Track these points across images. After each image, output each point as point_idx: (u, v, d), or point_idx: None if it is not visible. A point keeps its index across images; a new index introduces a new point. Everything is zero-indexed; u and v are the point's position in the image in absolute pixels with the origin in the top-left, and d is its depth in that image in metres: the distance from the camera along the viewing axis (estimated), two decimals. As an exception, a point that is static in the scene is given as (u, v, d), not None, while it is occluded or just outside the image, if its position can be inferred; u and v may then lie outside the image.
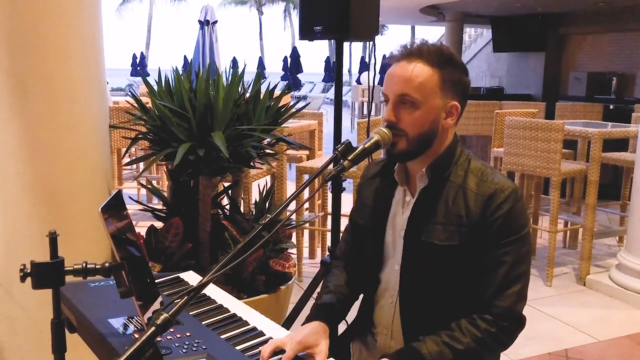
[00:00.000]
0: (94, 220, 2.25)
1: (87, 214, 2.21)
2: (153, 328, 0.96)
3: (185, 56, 24.97)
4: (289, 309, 2.74)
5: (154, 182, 5.50)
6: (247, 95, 2.65)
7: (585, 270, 4.01)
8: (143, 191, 6.05)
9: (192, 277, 1.82)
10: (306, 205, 4.50)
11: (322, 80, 26.79)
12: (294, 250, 3.76)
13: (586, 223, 4.00)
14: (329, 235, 4.53)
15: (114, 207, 1.33)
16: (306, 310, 2.65)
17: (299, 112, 2.71)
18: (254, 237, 1.13)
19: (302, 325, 1.44)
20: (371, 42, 2.64)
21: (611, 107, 7.37)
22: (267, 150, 2.63)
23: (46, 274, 1.27)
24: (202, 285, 1.05)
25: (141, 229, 4.86)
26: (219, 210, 2.83)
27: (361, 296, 1.61)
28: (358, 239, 1.58)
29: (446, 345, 1.29)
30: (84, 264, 1.31)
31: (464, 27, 11.19)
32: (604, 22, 9.04)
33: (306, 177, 4.23)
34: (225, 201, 3.01)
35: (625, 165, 4.80)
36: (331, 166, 1.29)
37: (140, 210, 3.04)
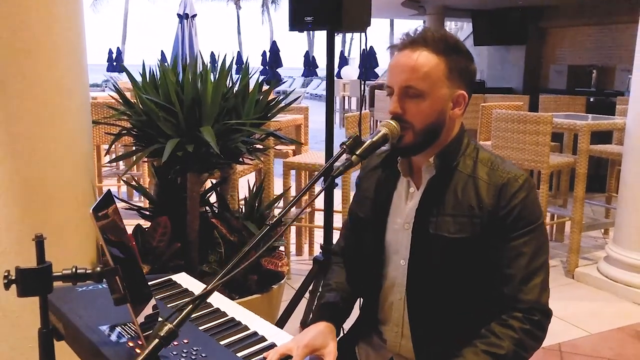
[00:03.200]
0: (78, 221, 2.16)
1: (71, 214, 2.11)
2: (156, 340, 0.88)
3: (162, 51, 24.62)
4: (281, 308, 2.68)
5: (135, 180, 5.37)
6: (235, 89, 2.56)
7: (573, 263, 4.00)
8: (123, 189, 5.92)
9: (184, 279, 1.73)
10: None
11: (302, 75, 26.68)
12: (281, 248, 3.69)
13: (574, 216, 3.99)
14: (316, 231, 4.48)
15: (105, 208, 1.24)
16: (299, 309, 2.62)
17: (289, 105, 2.63)
18: (261, 238, 1.05)
19: (306, 327, 1.37)
20: (363, 34, 2.57)
21: (592, 99, 7.42)
22: (257, 145, 2.55)
23: (32, 280, 1.18)
24: (208, 292, 0.97)
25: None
26: (207, 208, 2.74)
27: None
28: (358, 234, 1.51)
29: (487, 354, 1.21)
30: (74, 269, 1.21)
31: (445, 20, 11.19)
32: (583, 15, 9.10)
33: (293, 172, 4.16)
34: (212, 198, 2.93)
35: (611, 158, 4.81)
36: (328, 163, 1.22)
37: (124, 209, 2.94)
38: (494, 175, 1.30)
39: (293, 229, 4.23)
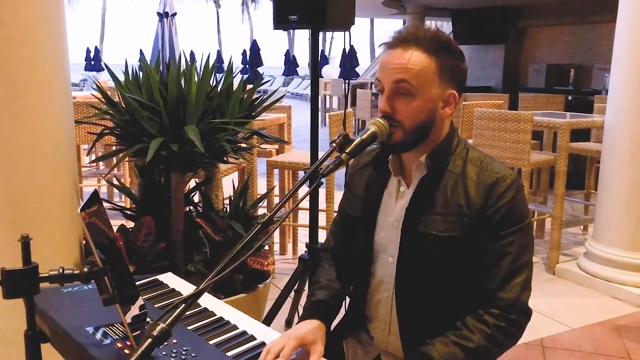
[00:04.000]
0: (61, 221, 2.13)
1: (55, 214, 2.08)
2: (149, 340, 0.87)
3: (141, 50, 24.32)
4: (266, 307, 2.67)
5: (117, 180, 5.32)
6: (219, 88, 2.54)
7: (554, 259, 4.06)
8: (103, 189, 5.85)
9: (171, 279, 1.72)
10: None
11: (283, 74, 26.62)
12: (266, 247, 3.68)
13: (555, 213, 4.05)
14: (299, 230, 4.48)
15: (92, 207, 1.23)
16: (285, 308, 2.61)
17: (274, 104, 2.62)
18: (252, 236, 1.05)
19: (296, 323, 1.37)
20: (347, 33, 2.57)
21: (570, 98, 7.52)
22: (242, 145, 2.54)
23: (19, 282, 1.16)
24: (201, 291, 0.96)
25: None
26: (191, 208, 2.72)
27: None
28: (348, 231, 1.51)
29: (456, 345, 1.24)
30: (61, 270, 1.20)
31: (425, 20, 11.25)
32: (561, 14, 9.22)
33: (276, 171, 4.15)
34: (196, 198, 2.91)
35: (590, 155, 4.89)
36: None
37: (108, 209, 2.91)
38: (483, 175, 1.31)
39: (290, 229, 4.22)
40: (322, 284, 1.49)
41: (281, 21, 2.48)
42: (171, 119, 2.28)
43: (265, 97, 2.64)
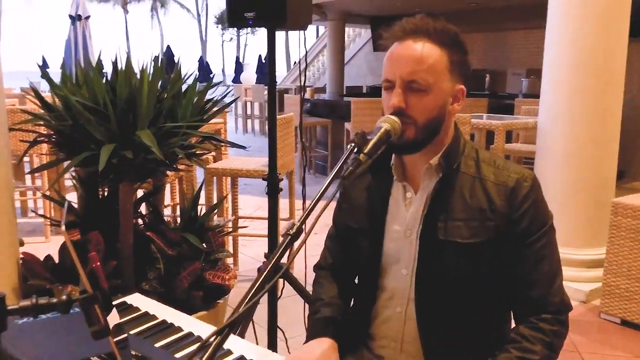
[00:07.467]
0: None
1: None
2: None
3: (43, 56, 22.90)
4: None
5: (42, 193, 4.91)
6: (168, 90, 2.36)
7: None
8: (30, 203, 5.37)
9: (140, 301, 1.54)
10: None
11: (197, 81, 26.01)
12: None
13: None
14: (239, 240, 4.29)
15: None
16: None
17: (228, 106, 2.46)
18: (283, 250, 0.92)
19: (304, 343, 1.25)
20: (303, 32, 2.47)
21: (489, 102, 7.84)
22: (196, 151, 2.36)
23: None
24: (240, 317, 0.82)
25: (42, 246, 4.30)
26: (139, 221, 2.51)
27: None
28: (350, 245, 1.40)
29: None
30: (34, 300, 1.01)
31: (345, 26, 11.36)
32: (477, 22, 9.61)
33: (215, 179, 3.97)
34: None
35: (517, 156, 5.07)
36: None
37: (50, 225, 2.62)
38: (500, 175, 1.25)
39: (230, 239, 4.01)
40: (325, 300, 1.38)
41: (235, 18, 2.33)
42: (121, 124, 2.07)
43: (217, 99, 2.48)
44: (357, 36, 13.51)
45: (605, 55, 3.54)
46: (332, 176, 1.04)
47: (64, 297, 1.03)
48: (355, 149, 1.09)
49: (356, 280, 1.43)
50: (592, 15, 3.51)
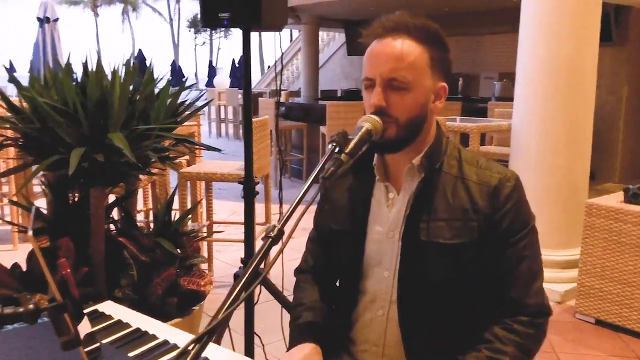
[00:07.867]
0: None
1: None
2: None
3: (10, 60, 22.39)
4: (200, 328, 2.45)
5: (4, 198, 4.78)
6: (139, 92, 2.30)
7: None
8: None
9: (112, 309, 1.48)
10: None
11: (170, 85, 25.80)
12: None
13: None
14: (214, 245, 4.23)
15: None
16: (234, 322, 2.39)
17: (202, 108, 2.42)
18: (264, 253, 0.88)
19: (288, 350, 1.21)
20: (278, 34, 2.44)
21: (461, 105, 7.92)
22: (169, 154, 2.31)
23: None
24: (220, 323, 0.78)
25: (9, 254, 4.16)
26: (110, 226, 2.44)
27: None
28: (331, 247, 1.37)
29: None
30: (-1, 309, 0.95)
31: (319, 30, 11.36)
32: (451, 26, 9.66)
33: (189, 184, 3.90)
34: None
35: (493, 158, 5.11)
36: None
37: (17, 231, 2.53)
38: (483, 175, 1.24)
39: (205, 244, 3.94)
40: (306, 305, 1.34)
41: (209, 18, 2.28)
42: (91, 126, 2.01)
43: (191, 101, 2.43)
44: (331, 40, 13.52)
45: (577, 60, 3.60)
46: (312, 177, 1.01)
47: (31, 306, 0.98)
48: (337, 149, 1.06)
49: (337, 284, 1.41)
50: (564, 21, 3.56)
